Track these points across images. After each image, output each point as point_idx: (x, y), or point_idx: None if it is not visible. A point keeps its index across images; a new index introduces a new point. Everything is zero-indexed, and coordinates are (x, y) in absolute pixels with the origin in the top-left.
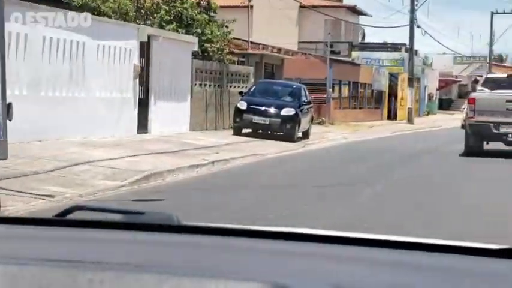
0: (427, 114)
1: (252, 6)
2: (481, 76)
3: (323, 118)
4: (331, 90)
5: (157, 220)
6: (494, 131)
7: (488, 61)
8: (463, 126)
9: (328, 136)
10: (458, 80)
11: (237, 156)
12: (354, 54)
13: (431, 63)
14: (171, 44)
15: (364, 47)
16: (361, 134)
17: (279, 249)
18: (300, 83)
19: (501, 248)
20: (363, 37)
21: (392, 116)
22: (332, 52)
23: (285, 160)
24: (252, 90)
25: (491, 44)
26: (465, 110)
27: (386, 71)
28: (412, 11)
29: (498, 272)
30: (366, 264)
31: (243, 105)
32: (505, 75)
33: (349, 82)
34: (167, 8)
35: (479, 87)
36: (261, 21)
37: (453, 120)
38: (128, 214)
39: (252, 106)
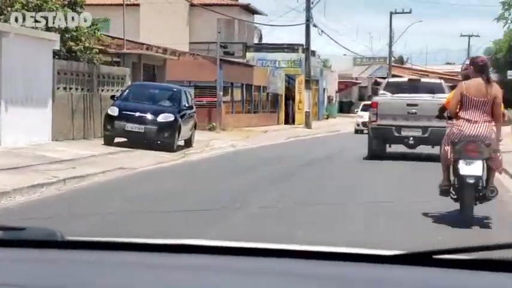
0: (327, 118)
1: (137, 4)
2: (383, 78)
3: (214, 124)
4: (221, 93)
5: (40, 236)
6: (396, 134)
7: (388, 62)
8: (356, 131)
9: (214, 144)
10: (358, 82)
11: (98, 171)
12: (249, 55)
13: (331, 65)
14: (27, 42)
15: (260, 47)
16: (253, 140)
17: (158, 262)
18: (190, 86)
19: (395, 254)
20: (260, 38)
21: (290, 120)
22: (226, 53)
23: (157, 174)
24: (125, 94)
25: (390, 45)
26: (358, 113)
27: (283, 72)
28: (308, 9)
29: (392, 279)
30: (253, 275)
31: (114, 111)
32: (406, 79)
33: (242, 85)
34: (24, 1)
35: (381, 91)
36: (149, 20)
37: (353, 124)
38: (7, 230)
39: (124, 112)
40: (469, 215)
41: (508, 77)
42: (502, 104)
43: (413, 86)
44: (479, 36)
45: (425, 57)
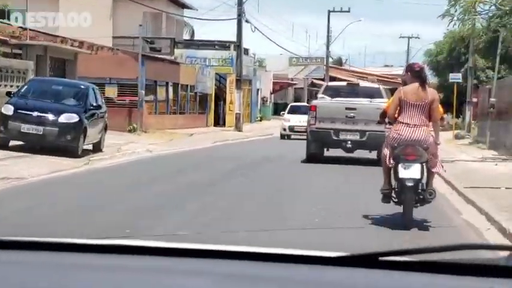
0: (260, 120)
1: None
2: (320, 79)
3: (134, 125)
4: (143, 92)
5: None
6: (334, 137)
7: (325, 62)
8: (282, 136)
9: (129, 148)
10: (294, 82)
11: None
12: (178, 52)
13: (266, 65)
14: None
15: (189, 44)
16: (175, 144)
17: (104, 264)
18: (111, 83)
19: (339, 255)
20: (192, 34)
21: (221, 122)
22: (153, 49)
23: (46, 186)
24: (22, 90)
25: (328, 45)
26: (285, 116)
27: (213, 71)
28: (240, 3)
29: (336, 281)
30: (194, 276)
31: (8, 110)
32: (344, 84)
33: (167, 83)
34: None
35: (320, 95)
36: (70, 13)
37: None
38: None
39: (20, 111)
40: (409, 217)
41: (451, 80)
42: (441, 109)
43: (352, 90)
44: (419, 38)
45: (363, 59)
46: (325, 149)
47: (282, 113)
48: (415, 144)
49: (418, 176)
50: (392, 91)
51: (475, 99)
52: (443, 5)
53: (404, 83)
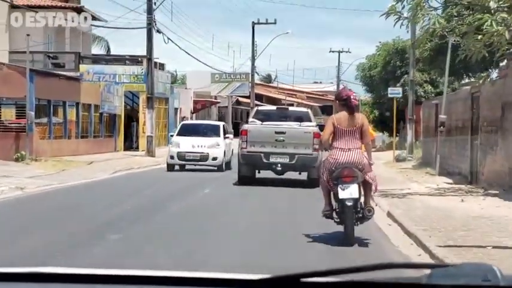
0: None
1: None
2: (245, 97)
3: (22, 152)
4: (33, 113)
5: None
6: (265, 160)
7: (250, 79)
8: (169, 167)
9: None
10: (217, 101)
11: None
12: (84, 67)
13: (186, 81)
14: None
15: (97, 59)
16: (65, 176)
17: None
18: (7, 103)
19: (261, 278)
20: (108, 50)
21: (135, 145)
22: (56, 65)
23: None
24: None
25: (253, 59)
26: (174, 139)
27: (122, 88)
28: (150, 11)
29: None
30: None
31: None
32: (274, 108)
33: (65, 103)
34: None
35: (250, 119)
36: None
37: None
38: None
39: None
40: (350, 234)
41: (390, 95)
42: (372, 131)
43: (281, 114)
44: (350, 52)
45: (292, 75)
46: (256, 171)
47: (170, 134)
48: (351, 166)
49: (356, 196)
50: (322, 108)
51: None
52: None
53: (338, 108)
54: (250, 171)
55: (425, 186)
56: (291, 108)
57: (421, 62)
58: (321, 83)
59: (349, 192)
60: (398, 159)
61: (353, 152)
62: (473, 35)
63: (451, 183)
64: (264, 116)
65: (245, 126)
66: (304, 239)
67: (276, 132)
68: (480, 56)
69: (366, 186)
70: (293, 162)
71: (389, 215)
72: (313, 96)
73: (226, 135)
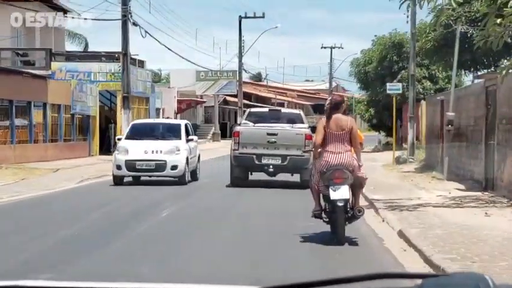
0: None
1: None
2: (233, 95)
3: None
4: None
5: None
6: (257, 162)
7: (238, 77)
8: (116, 180)
9: None
10: (203, 100)
11: None
12: (56, 65)
13: (170, 80)
14: None
15: (70, 55)
16: (23, 186)
17: None
18: None
19: None
20: (86, 47)
21: (112, 149)
22: (26, 63)
23: None
24: None
25: (240, 56)
26: (120, 144)
27: (96, 87)
28: (125, 1)
29: None
30: None
31: None
32: (266, 109)
33: (30, 103)
34: None
35: (243, 121)
36: None
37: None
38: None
39: None
40: (341, 233)
41: (388, 91)
42: (361, 134)
43: (274, 116)
44: (342, 48)
45: (282, 72)
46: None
47: (118, 138)
48: (342, 168)
49: (347, 197)
50: (314, 107)
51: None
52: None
53: (328, 113)
54: (242, 173)
55: (436, 194)
56: (283, 110)
57: (423, 54)
58: (312, 81)
59: (340, 193)
60: (398, 161)
61: (343, 155)
62: (494, 17)
63: (464, 190)
64: (257, 118)
65: (237, 128)
66: (296, 239)
67: (268, 134)
68: (502, 43)
69: (356, 187)
70: (285, 163)
71: (401, 235)
72: (305, 94)
73: (190, 137)
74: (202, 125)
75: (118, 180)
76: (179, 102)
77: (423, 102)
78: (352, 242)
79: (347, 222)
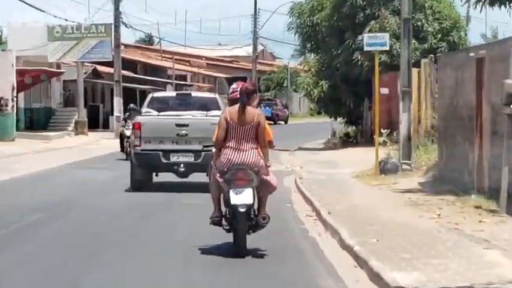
0: None
1: None
2: (104, 64)
3: None
4: None
5: None
6: (164, 160)
7: (113, 32)
8: None
9: None
10: (61, 71)
11: None
12: None
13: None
14: None
15: None
16: None
17: None
18: None
19: None
20: None
21: None
22: None
23: None
24: None
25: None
26: None
27: None
28: None
29: None
30: None
31: None
32: (174, 94)
33: None
34: None
35: (144, 109)
36: None
37: (46, 155)
38: None
39: None
40: (242, 244)
41: (368, 48)
42: (270, 130)
43: (183, 101)
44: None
45: (184, 32)
46: (153, 175)
47: None
48: (245, 168)
49: (250, 201)
50: (230, 81)
51: (385, 90)
52: None
53: (232, 102)
54: (145, 175)
55: None
56: (193, 93)
57: None
58: (226, 45)
59: (243, 197)
60: (384, 169)
61: (248, 152)
62: None
63: None
64: (161, 105)
65: (138, 118)
66: (195, 253)
67: (177, 125)
68: None
69: (261, 191)
70: (199, 161)
71: None
72: (217, 63)
73: None
74: (60, 109)
75: None
76: (21, 73)
77: (426, 65)
78: (257, 254)
79: (250, 231)
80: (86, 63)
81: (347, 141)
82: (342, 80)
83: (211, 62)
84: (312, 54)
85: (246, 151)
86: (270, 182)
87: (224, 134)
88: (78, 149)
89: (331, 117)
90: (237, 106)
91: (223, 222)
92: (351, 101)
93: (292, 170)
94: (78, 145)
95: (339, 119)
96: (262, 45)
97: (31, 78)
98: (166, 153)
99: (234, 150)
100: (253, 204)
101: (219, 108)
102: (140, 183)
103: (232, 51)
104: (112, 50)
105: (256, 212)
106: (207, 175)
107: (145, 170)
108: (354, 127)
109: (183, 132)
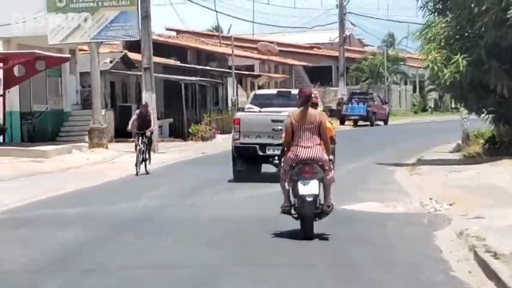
0: None
1: None
2: (134, 50)
3: None
4: None
5: None
6: (261, 153)
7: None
8: None
9: None
10: (66, 56)
11: None
12: None
13: None
14: None
15: None
16: None
17: None
18: None
19: None
20: None
21: None
22: None
23: None
24: None
25: None
26: None
27: None
28: None
29: None
30: None
31: None
32: (275, 92)
33: None
34: None
35: (247, 105)
36: None
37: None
38: None
39: None
40: (309, 230)
41: None
42: (331, 127)
43: (282, 99)
44: None
45: (252, 14)
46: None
47: None
48: (311, 162)
49: (316, 192)
50: (310, 72)
51: None
52: None
53: (300, 106)
54: (245, 166)
55: None
56: (293, 91)
57: None
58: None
59: (310, 188)
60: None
61: (313, 149)
62: None
63: None
64: (263, 101)
65: (237, 115)
66: (267, 235)
67: (273, 121)
68: None
69: (326, 182)
70: None
71: None
72: (294, 50)
73: None
74: (77, 112)
75: None
76: (4, 60)
77: None
78: (322, 238)
79: (316, 218)
80: (113, 49)
81: (493, 148)
82: (489, 54)
83: (285, 49)
84: (437, 17)
85: (311, 147)
86: (332, 177)
87: (291, 135)
88: (71, 175)
89: (469, 112)
90: (299, 109)
91: (292, 211)
92: (504, 85)
93: (435, 209)
94: (81, 166)
95: (486, 117)
96: (352, 23)
97: (23, 67)
98: (263, 146)
99: (300, 147)
100: (318, 194)
101: (317, 104)
102: (241, 173)
103: (311, 38)
104: (139, 25)
105: (322, 201)
106: (278, 171)
107: (245, 161)
108: (506, 127)
109: (279, 127)
